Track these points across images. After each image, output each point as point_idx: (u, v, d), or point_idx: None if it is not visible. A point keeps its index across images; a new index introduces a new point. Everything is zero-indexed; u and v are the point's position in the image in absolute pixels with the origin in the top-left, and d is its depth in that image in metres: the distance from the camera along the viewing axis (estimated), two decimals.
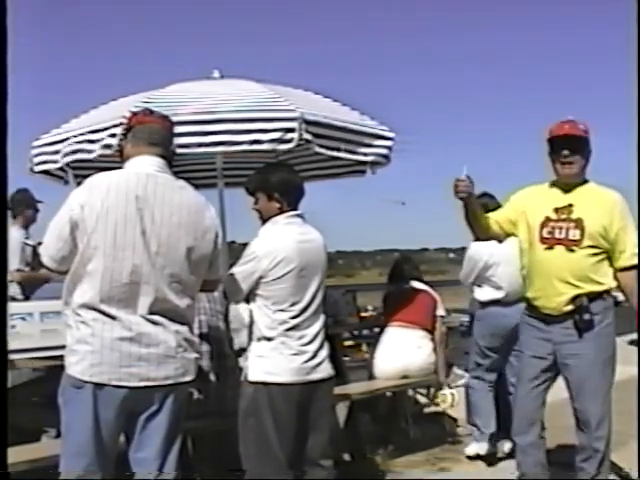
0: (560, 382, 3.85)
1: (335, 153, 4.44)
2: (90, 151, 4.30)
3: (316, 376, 3.24)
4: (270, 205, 3.31)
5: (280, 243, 3.23)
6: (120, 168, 2.85)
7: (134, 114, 3.00)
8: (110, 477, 2.73)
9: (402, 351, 5.13)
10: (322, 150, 4.33)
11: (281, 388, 3.16)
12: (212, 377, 3.98)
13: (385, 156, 4.71)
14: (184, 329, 2.77)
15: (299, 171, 5.42)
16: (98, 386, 2.63)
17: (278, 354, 3.19)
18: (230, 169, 5.45)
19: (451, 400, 5.33)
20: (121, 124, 4.02)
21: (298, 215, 3.35)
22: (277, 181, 3.31)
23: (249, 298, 3.29)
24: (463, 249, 5.54)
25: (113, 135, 4.09)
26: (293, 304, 3.22)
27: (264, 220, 3.35)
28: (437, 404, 5.46)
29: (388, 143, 4.72)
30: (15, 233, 5.51)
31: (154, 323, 2.69)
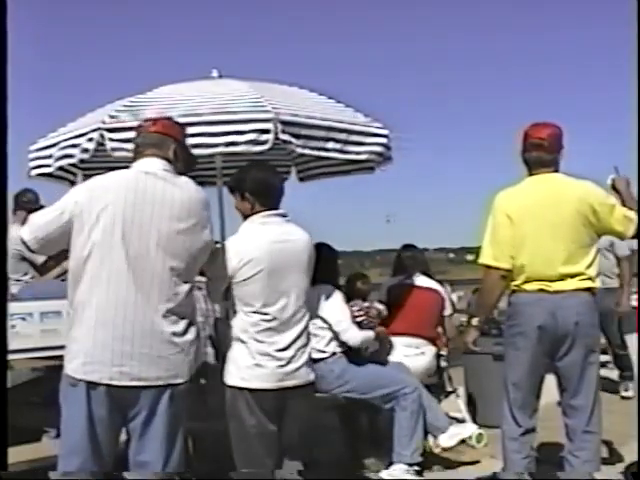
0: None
1: (322, 153, 4.33)
2: (73, 156, 4.27)
3: (291, 382, 3.17)
4: (243, 204, 3.32)
5: (251, 243, 3.19)
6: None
7: (141, 123, 3.08)
8: (108, 477, 2.73)
9: (404, 356, 5.02)
10: (305, 151, 4.21)
11: (255, 394, 3.13)
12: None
13: (380, 154, 4.56)
14: (180, 329, 2.76)
15: (306, 169, 5.40)
16: (91, 384, 2.64)
17: (251, 359, 3.13)
18: (230, 168, 5.44)
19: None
20: (99, 129, 4.08)
21: (278, 214, 3.30)
22: (249, 181, 3.31)
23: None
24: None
25: (91, 140, 4.09)
26: (264, 306, 3.14)
27: (244, 219, 3.33)
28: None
29: (382, 140, 4.56)
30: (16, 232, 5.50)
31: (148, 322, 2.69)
